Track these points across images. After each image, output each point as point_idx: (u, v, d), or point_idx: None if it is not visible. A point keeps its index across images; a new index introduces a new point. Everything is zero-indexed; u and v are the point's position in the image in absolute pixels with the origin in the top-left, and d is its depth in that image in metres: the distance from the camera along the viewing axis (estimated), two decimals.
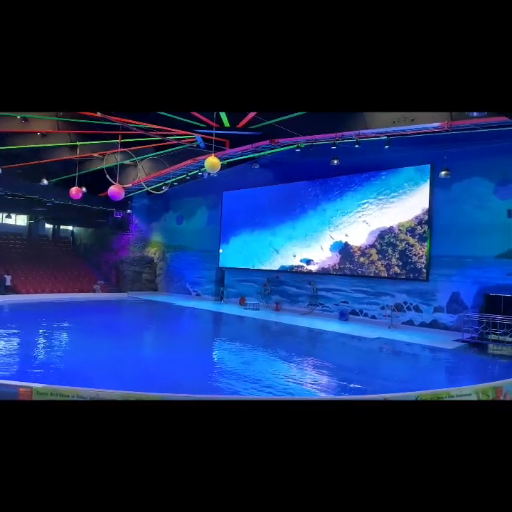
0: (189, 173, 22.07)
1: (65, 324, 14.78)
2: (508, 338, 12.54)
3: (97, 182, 19.42)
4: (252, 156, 18.83)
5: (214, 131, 13.77)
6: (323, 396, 7.63)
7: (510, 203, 13.84)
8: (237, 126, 14.84)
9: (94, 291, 24.66)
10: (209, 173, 17.64)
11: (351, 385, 8.42)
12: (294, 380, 8.75)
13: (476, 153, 14.23)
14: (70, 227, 31.54)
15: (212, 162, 10.91)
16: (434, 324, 15.49)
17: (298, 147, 16.55)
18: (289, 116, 13.75)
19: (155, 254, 27.90)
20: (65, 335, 13.38)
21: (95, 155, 18.77)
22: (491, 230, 14.17)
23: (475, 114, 9.69)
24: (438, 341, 13.28)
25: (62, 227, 31.03)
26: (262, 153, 18.34)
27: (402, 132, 14.11)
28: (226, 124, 14.73)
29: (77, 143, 17.08)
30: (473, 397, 6.05)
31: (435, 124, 12.82)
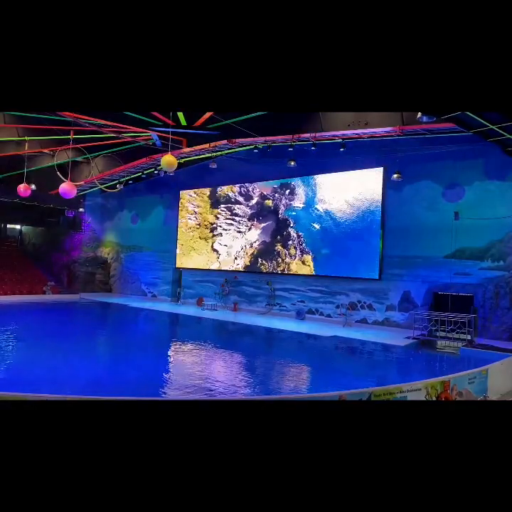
0: (145, 172, 21.64)
1: (8, 329, 13.95)
2: (454, 335, 13.15)
3: (47, 179, 18.65)
4: (209, 155, 18.71)
5: (170, 129, 13.57)
6: (279, 396, 7.68)
7: (457, 205, 14.52)
8: (194, 124, 14.68)
9: (44, 293, 23.64)
10: (165, 172, 17.36)
11: (306, 383, 8.53)
12: (245, 380, 8.76)
13: (426, 157, 14.83)
14: (18, 226, 30.13)
15: (168, 161, 10.76)
16: (386, 322, 15.98)
17: (256, 148, 16.64)
18: (247, 116, 13.76)
19: (109, 254, 27.11)
20: (6, 341, 12.46)
21: (45, 151, 18.01)
22: (439, 231, 14.80)
23: (425, 118, 10.08)
24: (390, 339, 13.71)
25: (9, 226, 29.61)
26: (220, 152, 18.26)
27: (356, 135, 14.49)
28: (183, 122, 14.53)
29: (26, 138, 16.32)
30: (423, 392, 6.29)
31: (387, 128, 13.25)
